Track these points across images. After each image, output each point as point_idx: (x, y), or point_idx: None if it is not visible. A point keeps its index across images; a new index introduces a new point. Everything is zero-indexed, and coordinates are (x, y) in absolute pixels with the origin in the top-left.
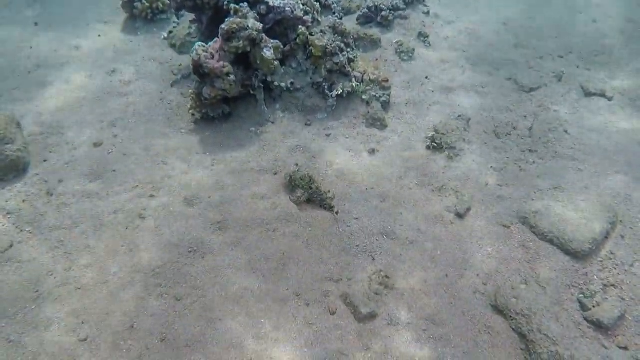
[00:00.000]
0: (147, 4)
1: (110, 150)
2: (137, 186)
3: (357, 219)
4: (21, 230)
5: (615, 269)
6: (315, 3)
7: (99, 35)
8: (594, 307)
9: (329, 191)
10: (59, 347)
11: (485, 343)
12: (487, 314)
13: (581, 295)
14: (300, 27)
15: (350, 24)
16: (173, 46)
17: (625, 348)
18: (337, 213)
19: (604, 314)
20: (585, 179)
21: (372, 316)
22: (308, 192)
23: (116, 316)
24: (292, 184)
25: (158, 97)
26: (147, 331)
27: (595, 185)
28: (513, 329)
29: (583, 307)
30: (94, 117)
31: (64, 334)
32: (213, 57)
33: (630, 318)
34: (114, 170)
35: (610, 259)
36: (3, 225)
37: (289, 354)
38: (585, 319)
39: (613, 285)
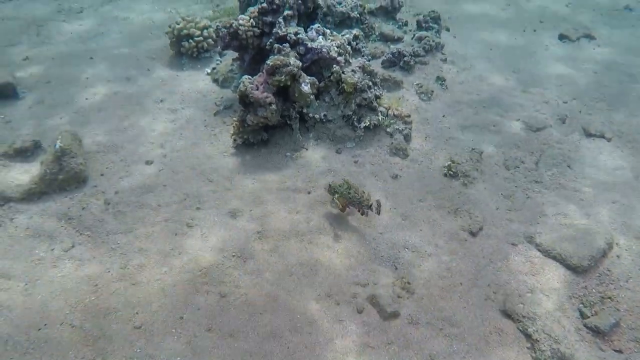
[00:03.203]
0: (193, 43)
1: (161, 168)
2: (185, 199)
3: (381, 233)
4: (81, 234)
5: (611, 284)
6: (348, 46)
7: (148, 69)
8: (592, 315)
9: (364, 192)
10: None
11: (495, 342)
12: (496, 317)
13: (581, 305)
14: (334, 66)
15: (375, 67)
16: (216, 81)
17: (620, 351)
18: (378, 211)
19: (601, 321)
20: (586, 207)
21: (395, 315)
22: (347, 197)
23: (167, 308)
24: (332, 191)
25: (202, 123)
26: (195, 322)
27: (595, 212)
28: (520, 330)
29: (582, 315)
30: (145, 138)
31: (120, 322)
32: (257, 89)
33: (624, 326)
34: (165, 185)
35: (607, 275)
36: (65, 229)
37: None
38: (584, 325)
39: (609, 298)
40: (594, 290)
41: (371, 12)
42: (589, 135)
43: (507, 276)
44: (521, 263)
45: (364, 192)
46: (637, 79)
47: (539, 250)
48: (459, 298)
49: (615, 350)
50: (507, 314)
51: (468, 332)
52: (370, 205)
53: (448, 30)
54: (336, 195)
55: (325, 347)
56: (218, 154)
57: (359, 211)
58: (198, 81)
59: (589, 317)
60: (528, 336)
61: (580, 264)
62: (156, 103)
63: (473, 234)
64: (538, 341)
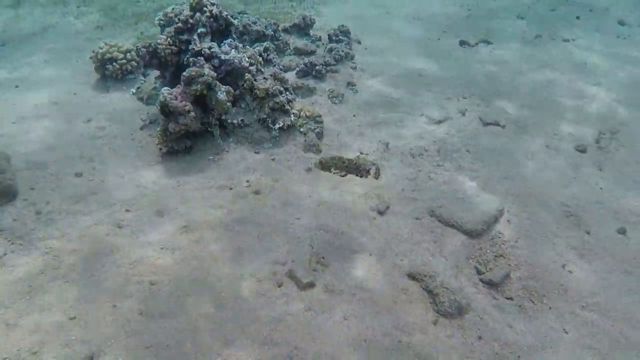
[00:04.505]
0: (117, 66)
1: (91, 179)
2: (115, 204)
3: (298, 219)
4: (13, 243)
5: (503, 244)
6: (259, 57)
7: (75, 94)
8: (487, 271)
9: (358, 159)
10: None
11: (403, 300)
12: (403, 281)
13: (477, 264)
14: (246, 74)
15: (290, 77)
16: (141, 99)
17: (511, 298)
18: (377, 176)
19: (494, 274)
20: (481, 183)
21: (311, 285)
22: (343, 167)
23: (100, 300)
24: (325, 167)
25: (129, 138)
26: (127, 308)
27: (490, 187)
28: (423, 288)
29: (478, 272)
30: (74, 154)
31: (56, 314)
32: (176, 99)
33: (514, 277)
34: (95, 193)
35: (500, 237)
36: None
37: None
38: (480, 280)
39: (502, 256)
40: (488, 251)
41: (285, 30)
42: (486, 124)
43: (412, 245)
44: (424, 233)
45: (358, 159)
46: (527, 75)
47: (440, 221)
48: (370, 266)
49: (507, 298)
50: (412, 277)
51: (378, 295)
52: (369, 170)
53: (359, 43)
54: (332, 169)
55: (248, 318)
56: (145, 163)
57: (357, 175)
58: (124, 101)
59: (484, 273)
60: (430, 292)
61: (474, 228)
62: (84, 122)
63: (381, 213)
64: (438, 295)
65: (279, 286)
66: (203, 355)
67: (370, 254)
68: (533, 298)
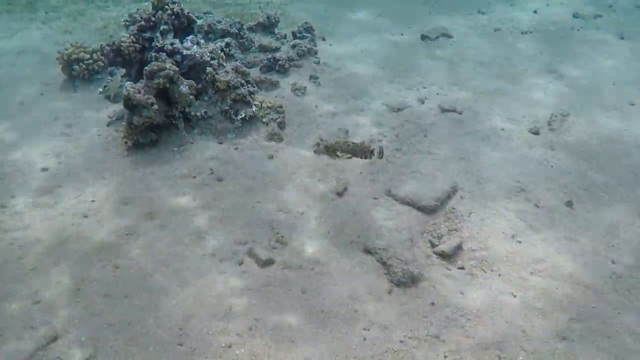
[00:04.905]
0: (84, 66)
1: (57, 173)
2: (81, 195)
3: (260, 203)
4: None
5: (456, 219)
6: (220, 52)
7: (41, 94)
8: (440, 244)
9: (363, 142)
10: None
11: (358, 272)
12: (359, 255)
13: (431, 237)
14: (208, 68)
15: (254, 73)
16: (108, 97)
17: (463, 268)
18: (380, 156)
19: (446, 246)
20: (438, 165)
21: (270, 262)
22: (348, 149)
23: (64, 284)
24: (330, 150)
25: (96, 134)
26: (92, 291)
27: (444, 168)
28: (377, 260)
29: (432, 245)
30: (41, 151)
31: (21, 300)
32: (139, 92)
33: (465, 249)
34: (60, 186)
35: (453, 212)
36: None
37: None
38: (434, 252)
39: (455, 230)
40: (442, 225)
41: (250, 29)
42: (444, 110)
43: (369, 223)
44: (381, 211)
45: (363, 142)
46: (487, 65)
47: (396, 200)
48: (328, 243)
49: (459, 268)
50: (368, 251)
51: (335, 269)
52: (372, 151)
53: (324, 39)
54: (338, 152)
55: (209, 294)
56: (111, 157)
57: (361, 157)
58: (91, 100)
59: (437, 246)
60: (384, 264)
61: (428, 205)
62: (52, 121)
63: (339, 194)
64: (391, 266)
65: (239, 264)
66: (164, 322)
67: (329, 232)
68: (484, 267)
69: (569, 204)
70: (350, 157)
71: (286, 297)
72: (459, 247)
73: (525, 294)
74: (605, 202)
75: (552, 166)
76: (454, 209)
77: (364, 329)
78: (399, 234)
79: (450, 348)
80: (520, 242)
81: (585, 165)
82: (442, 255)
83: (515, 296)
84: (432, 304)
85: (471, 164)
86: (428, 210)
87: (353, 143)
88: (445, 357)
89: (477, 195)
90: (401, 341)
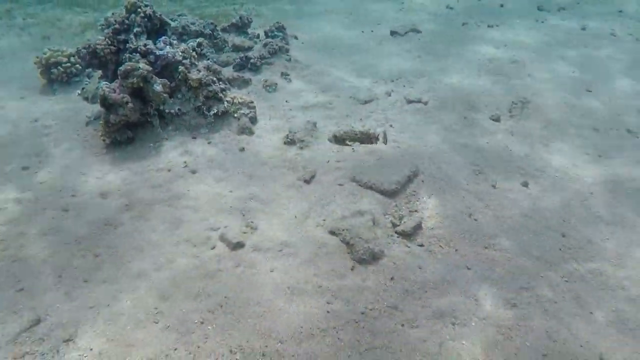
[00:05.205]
0: (62, 69)
1: (37, 171)
2: (61, 190)
3: (231, 192)
4: None
5: (417, 201)
6: (192, 52)
7: (22, 98)
8: (401, 224)
9: (369, 130)
10: None
11: (323, 253)
12: (324, 237)
13: (392, 218)
14: (180, 67)
15: (228, 71)
16: (86, 99)
17: (422, 245)
18: (385, 141)
19: (406, 225)
20: (401, 151)
21: (240, 245)
22: (355, 138)
23: (46, 272)
24: (339, 140)
25: (75, 133)
26: (72, 277)
27: (408, 153)
28: (341, 241)
29: (394, 225)
30: (21, 151)
31: (5, 289)
32: (115, 92)
33: (425, 227)
34: (41, 183)
35: (414, 195)
36: None
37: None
38: (395, 232)
39: (415, 211)
40: (403, 207)
41: (224, 29)
42: (409, 102)
43: (334, 206)
44: (345, 196)
45: (369, 130)
46: (450, 57)
47: (360, 185)
48: (294, 227)
49: (419, 245)
50: (332, 232)
51: (301, 250)
52: (377, 136)
53: (296, 38)
54: (347, 141)
55: (184, 276)
56: (90, 154)
57: (369, 143)
58: (70, 102)
59: (398, 225)
60: (347, 243)
61: (390, 188)
62: (30, 122)
63: (307, 182)
64: (354, 245)
65: (211, 249)
66: (141, 303)
67: (296, 217)
68: (442, 243)
69: (525, 184)
70: (359, 144)
71: (255, 277)
72: (418, 226)
73: (480, 266)
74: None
75: (510, 150)
76: (415, 191)
77: (328, 303)
78: (362, 216)
79: (408, 317)
80: (476, 220)
81: (541, 149)
82: (403, 234)
83: (469, 269)
84: (392, 278)
85: (433, 149)
86: (390, 194)
87: (360, 132)
88: (402, 325)
89: (438, 179)
90: (362, 313)
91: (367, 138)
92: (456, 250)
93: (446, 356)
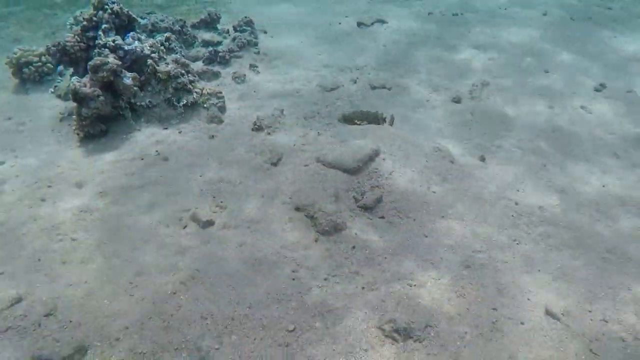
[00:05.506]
0: (33, 69)
1: (13, 164)
2: (37, 182)
3: (201, 176)
4: None
5: (379, 177)
6: (160, 46)
7: None
8: (362, 198)
9: (377, 111)
10: None
11: (289, 227)
12: (291, 213)
13: (355, 194)
14: (149, 60)
15: (198, 65)
16: (59, 96)
17: (383, 217)
18: (391, 123)
19: (368, 200)
20: (364, 133)
21: (210, 223)
22: (363, 118)
23: (24, 257)
24: (348, 119)
25: (50, 129)
26: (49, 262)
27: (371, 134)
28: (306, 215)
29: (356, 200)
30: None
31: None
32: (86, 86)
33: (386, 201)
34: (17, 176)
35: (376, 172)
36: None
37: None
38: (357, 206)
39: (377, 187)
40: (365, 183)
41: (194, 26)
42: (373, 88)
43: (301, 184)
44: (310, 175)
45: (377, 111)
46: (416, 47)
47: (324, 165)
48: (262, 205)
49: (379, 217)
50: (298, 209)
51: (269, 226)
52: (385, 118)
53: (265, 32)
54: (355, 120)
55: (157, 254)
56: (65, 148)
57: (376, 124)
58: (43, 100)
59: (360, 200)
60: (311, 217)
61: (352, 166)
62: (4, 120)
63: (274, 164)
64: (317, 218)
65: (183, 228)
66: (117, 279)
67: (263, 196)
68: (401, 215)
69: (482, 158)
70: (367, 124)
71: (224, 252)
72: (379, 200)
73: (436, 233)
74: (511, 157)
75: (470, 128)
76: (376, 169)
77: (293, 271)
78: (325, 192)
79: (368, 280)
80: (434, 192)
81: (499, 127)
82: (365, 208)
83: (426, 236)
84: (353, 247)
85: (395, 130)
86: (352, 171)
87: (368, 112)
88: (362, 288)
89: (399, 157)
90: (325, 279)
91: (374, 119)
92: (414, 220)
93: (402, 311)
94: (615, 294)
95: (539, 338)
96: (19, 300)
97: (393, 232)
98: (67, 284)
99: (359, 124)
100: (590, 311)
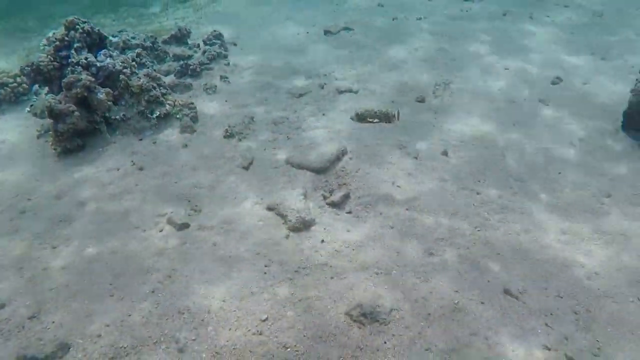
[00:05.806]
0: (9, 89)
1: None
2: (17, 196)
3: (176, 182)
4: None
5: (346, 176)
6: (132, 62)
7: None
8: (330, 196)
9: (387, 109)
10: None
11: (261, 225)
12: (262, 213)
13: (323, 192)
14: (121, 76)
15: (170, 79)
16: (35, 115)
17: (350, 212)
18: (398, 117)
19: (335, 196)
20: (331, 134)
21: (186, 225)
22: (375, 116)
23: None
24: (361, 118)
25: (28, 147)
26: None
27: (337, 131)
28: (277, 214)
29: (325, 198)
30: None
31: None
32: (60, 102)
33: (353, 197)
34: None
35: (343, 171)
36: None
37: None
38: (326, 203)
39: (345, 184)
40: (333, 182)
41: (165, 41)
42: (340, 92)
43: (271, 186)
44: (280, 176)
45: (388, 109)
46: (380, 51)
47: (292, 165)
48: (235, 207)
49: (347, 212)
50: (270, 208)
51: (241, 226)
52: (394, 115)
53: (235, 44)
54: (368, 118)
55: (135, 259)
56: (43, 164)
57: (386, 121)
58: (20, 119)
59: (328, 197)
60: (282, 215)
61: (321, 167)
62: None
63: (245, 168)
64: (287, 215)
65: (160, 231)
66: (97, 287)
67: (236, 198)
68: (368, 209)
69: (445, 153)
70: (379, 122)
71: (199, 251)
72: (347, 197)
73: (402, 224)
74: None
75: (434, 126)
76: (343, 168)
77: (265, 266)
78: (294, 191)
79: (337, 271)
80: (399, 186)
81: (460, 122)
82: (333, 205)
83: (392, 227)
84: (322, 241)
85: (362, 132)
86: (320, 171)
87: (379, 111)
88: (332, 278)
89: (364, 156)
90: (296, 271)
91: (385, 116)
92: (380, 213)
93: (370, 298)
94: None
95: None
96: (2, 306)
97: (360, 226)
98: (49, 288)
99: (371, 122)
100: None
